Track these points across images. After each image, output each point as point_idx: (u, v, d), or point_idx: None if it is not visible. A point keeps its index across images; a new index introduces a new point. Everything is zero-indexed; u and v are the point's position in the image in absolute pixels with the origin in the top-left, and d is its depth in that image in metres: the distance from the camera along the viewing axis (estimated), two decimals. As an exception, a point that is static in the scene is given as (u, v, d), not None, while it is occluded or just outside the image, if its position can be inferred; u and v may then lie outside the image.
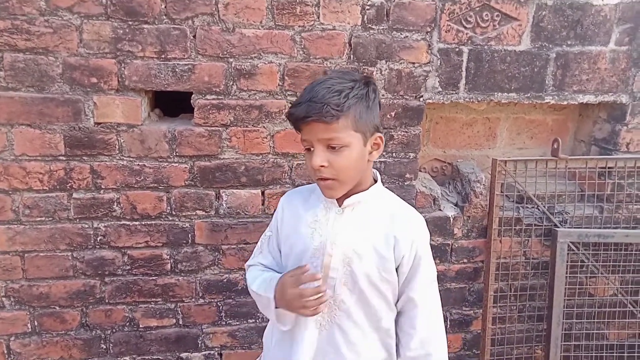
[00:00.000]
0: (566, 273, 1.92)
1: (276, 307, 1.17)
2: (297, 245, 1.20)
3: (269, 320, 1.31)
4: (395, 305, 1.23)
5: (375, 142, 1.15)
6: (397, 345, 1.25)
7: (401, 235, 1.18)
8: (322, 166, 1.07)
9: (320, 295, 1.12)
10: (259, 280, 1.24)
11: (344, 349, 1.19)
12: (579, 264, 1.96)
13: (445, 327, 1.99)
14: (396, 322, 1.25)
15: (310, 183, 1.62)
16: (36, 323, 1.74)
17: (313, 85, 1.10)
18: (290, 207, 1.26)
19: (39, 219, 1.66)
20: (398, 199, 1.28)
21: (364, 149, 1.12)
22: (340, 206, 1.19)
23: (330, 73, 1.28)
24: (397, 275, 1.20)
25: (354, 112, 1.08)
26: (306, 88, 1.12)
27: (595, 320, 2.04)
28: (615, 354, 2.06)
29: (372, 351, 1.22)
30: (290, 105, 1.20)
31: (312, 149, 1.09)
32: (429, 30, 1.71)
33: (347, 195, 1.17)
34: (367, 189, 1.19)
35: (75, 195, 1.66)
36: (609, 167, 1.95)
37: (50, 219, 1.66)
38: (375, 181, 1.22)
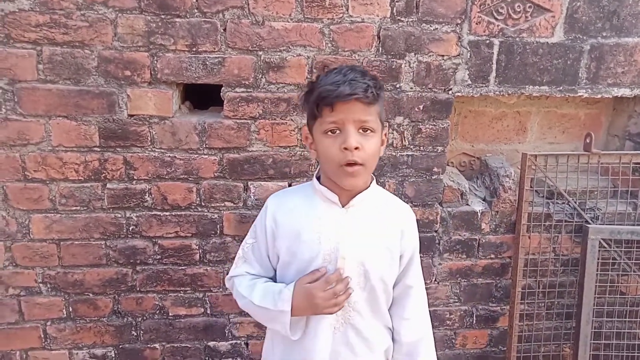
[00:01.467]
0: (597, 270, 1.88)
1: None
2: (303, 252, 1.17)
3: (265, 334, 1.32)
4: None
5: (383, 138, 1.17)
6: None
7: (406, 228, 1.23)
8: (356, 148, 1.06)
9: (348, 288, 1.15)
10: (259, 293, 1.20)
11: (359, 347, 1.20)
12: (611, 261, 1.92)
13: (471, 322, 2.01)
14: (389, 308, 1.27)
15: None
16: (71, 309, 1.80)
17: (340, 70, 1.10)
18: (283, 212, 1.22)
19: (74, 208, 1.71)
20: (388, 192, 1.30)
21: (380, 140, 1.14)
22: (343, 206, 1.18)
23: (343, 65, 1.28)
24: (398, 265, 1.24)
25: (381, 102, 1.12)
26: (332, 72, 1.10)
27: (627, 319, 2.00)
28: (647, 354, 2.01)
29: (382, 343, 1.25)
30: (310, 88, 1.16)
31: (338, 131, 1.08)
32: (459, 22, 1.69)
33: (349, 194, 1.17)
34: (369, 186, 1.19)
35: (109, 185, 1.70)
36: (643, 163, 1.90)
37: (85, 208, 1.71)
38: (372, 179, 1.22)
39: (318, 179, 1.22)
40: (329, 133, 1.09)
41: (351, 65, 1.15)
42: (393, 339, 1.28)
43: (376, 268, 1.18)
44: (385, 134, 1.19)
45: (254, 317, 1.27)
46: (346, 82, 1.05)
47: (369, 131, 1.09)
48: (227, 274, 1.80)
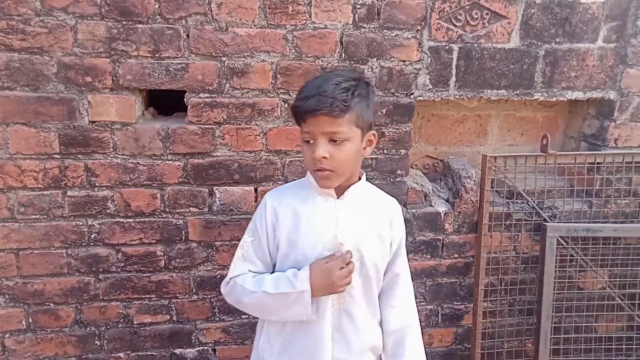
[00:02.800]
0: (555, 267, 1.95)
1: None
2: (303, 241, 1.23)
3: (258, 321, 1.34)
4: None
5: (369, 139, 1.23)
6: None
7: (395, 218, 1.32)
8: (324, 157, 1.13)
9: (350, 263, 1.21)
10: (272, 282, 1.22)
11: (351, 335, 1.25)
12: (569, 258, 1.99)
13: (437, 321, 2.05)
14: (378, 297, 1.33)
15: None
16: (31, 320, 1.75)
17: (319, 80, 1.16)
18: (283, 205, 1.27)
19: (33, 216, 1.67)
20: (376, 187, 1.38)
21: (360, 144, 1.20)
22: (338, 198, 1.25)
23: (332, 70, 1.34)
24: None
25: (357, 109, 1.15)
26: (310, 83, 1.18)
27: (585, 313, 2.07)
28: (604, 347, 2.09)
29: (372, 334, 1.30)
30: (289, 100, 1.22)
31: (312, 141, 1.15)
32: (419, 28, 1.73)
33: (342, 187, 1.23)
34: (359, 180, 1.27)
35: (69, 193, 1.67)
36: (597, 163, 1.98)
37: (45, 216, 1.68)
38: (360, 175, 1.29)
39: None
40: (305, 142, 1.18)
41: (333, 74, 1.20)
42: (382, 331, 1.32)
43: (370, 253, 1.25)
44: (373, 135, 1.23)
45: (264, 310, 1.26)
46: (314, 97, 1.11)
47: (338, 141, 1.14)
48: (193, 280, 1.82)
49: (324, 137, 1.13)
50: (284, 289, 1.19)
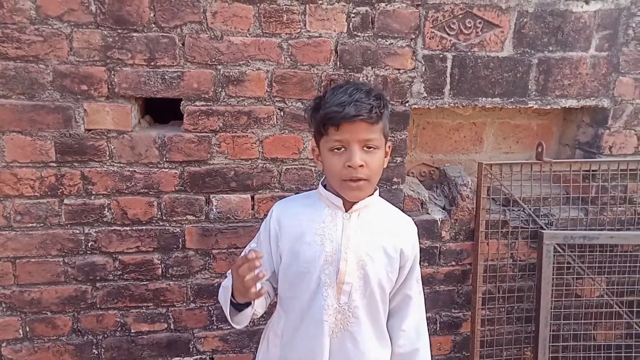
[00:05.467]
0: (553, 275, 1.94)
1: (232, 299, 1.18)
2: (305, 254, 1.22)
3: (257, 322, 1.34)
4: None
5: (387, 150, 1.24)
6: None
7: (405, 237, 1.28)
8: (360, 166, 1.12)
9: (259, 272, 1.09)
10: (228, 278, 1.23)
11: (353, 356, 1.22)
12: (566, 265, 1.99)
13: (435, 329, 2.04)
14: (387, 320, 1.30)
15: (300, 191, 1.65)
16: (28, 329, 1.75)
17: (346, 89, 1.15)
18: (288, 215, 1.27)
19: (30, 225, 1.67)
20: (391, 204, 1.36)
21: (384, 154, 1.20)
22: (347, 211, 1.23)
23: (348, 82, 1.34)
24: (398, 274, 1.27)
25: (385, 118, 1.18)
26: (337, 91, 1.16)
27: (583, 321, 2.07)
28: (602, 355, 2.08)
29: (377, 356, 1.27)
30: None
31: (343, 149, 1.14)
32: (413, 37, 1.75)
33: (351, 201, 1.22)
34: (372, 194, 1.25)
35: (66, 201, 1.68)
36: (592, 170, 1.98)
37: (42, 225, 1.68)
38: (375, 189, 1.28)
39: (325, 186, 1.27)
40: (335, 150, 1.16)
41: (357, 84, 1.22)
42: (391, 352, 1.30)
43: (375, 272, 1.22)
44: (389, 147, 1.25)
45: (223, 306, 1.24)
46: (351, 103, 1.11)
47: (372, 148, 1.15)
48: (190, 288, 1.81)
49: (359, 145, 1.13)
50: (224, 284, 1.23)
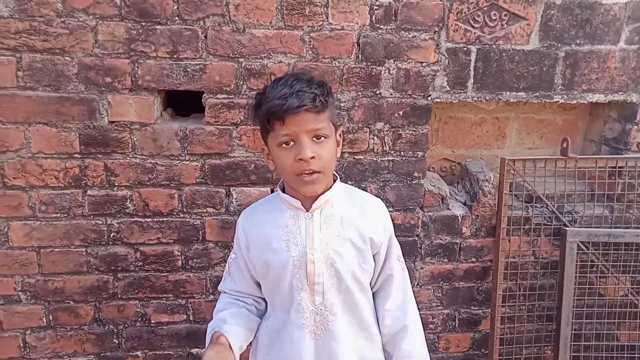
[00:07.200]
0: (576, 273, 1.91)
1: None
2: (274, 261, 1.20)
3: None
4: (371, 286, 1.29)
5: (338, 139, 1.20)
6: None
7: (374, 224, 1.24)
8: (312, 158, 1.09)
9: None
10: (213, 322, 1.25)
11: (341, 354, 1.21)
12: (589, 263, 1.95)
13: (454, 326, 2.02)
14: (373, 300, 1.30)
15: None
16: (51, 317, 1.78)
17: (285, 81, 1.11)
18: (252, 225, 1.26)
19: (54, 215, 1.70)
20: (355, 188, 1.34)
21: (335, 143, 1.17)
22: (308, 210, 1.21)
23: (288, 73, 1.35)
24: (375, 262, 1.26)
25: (331, 105, 1.15)
26: (277, 85, 1.12)
27: (606, 320, 2.03)
28: (625, 355, 2.04)
29: (361, 347, 1.26)
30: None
31: (292, 143, 1.11)
32: (437, 29, 1.72)
33: (313, 198, 1.19)
34: (331, 187, 1.22)
35: (89, 192, 1.70)
36: (619, 167, 1.93)
37: (65, 215, 1.71)
38: (335, 178, 1.25)
39: (283, 189, 1.25)
40: (284, 145, 1.12)
41: (296, 74, 1.18)
42: (380, 333, 1.30)
43: (346, 268, 1.20)
44: (340, 134, 1.22)
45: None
46: (294, 94, 1.07)
47: (322, 138, 1.12)
48: (210, 280, 1.83)
49: (308, 136, 1.10)
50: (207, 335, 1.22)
